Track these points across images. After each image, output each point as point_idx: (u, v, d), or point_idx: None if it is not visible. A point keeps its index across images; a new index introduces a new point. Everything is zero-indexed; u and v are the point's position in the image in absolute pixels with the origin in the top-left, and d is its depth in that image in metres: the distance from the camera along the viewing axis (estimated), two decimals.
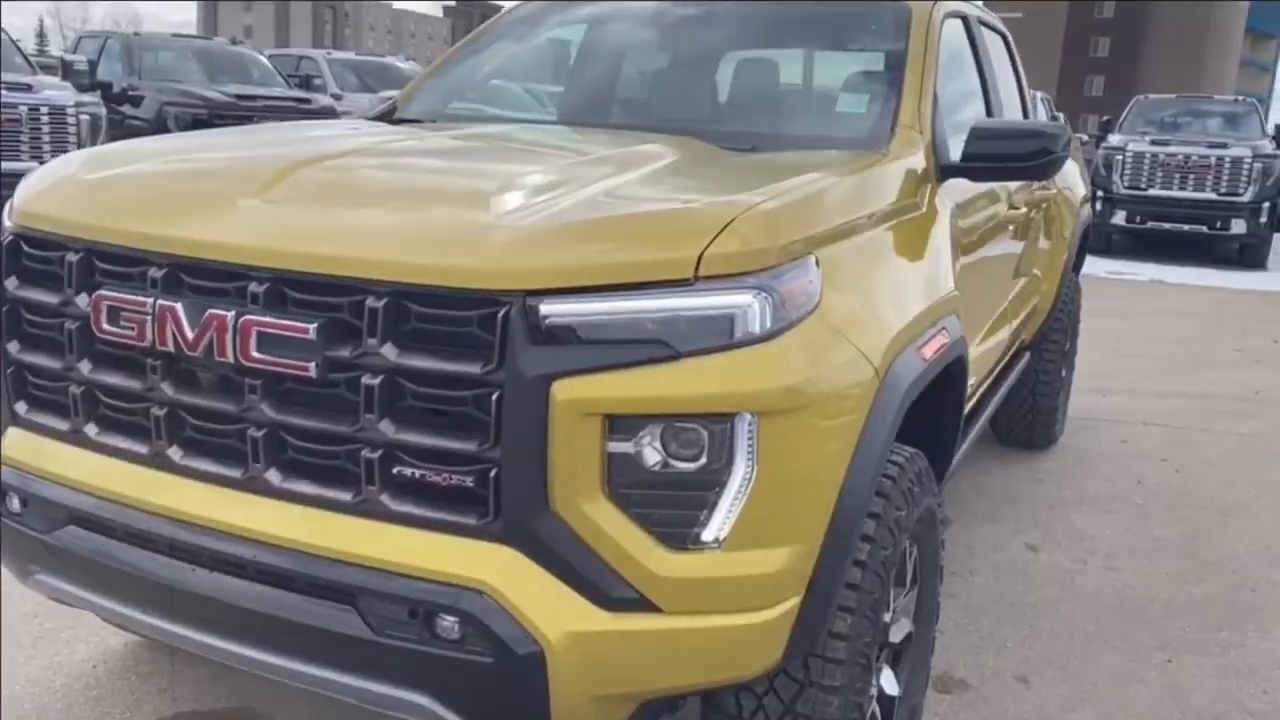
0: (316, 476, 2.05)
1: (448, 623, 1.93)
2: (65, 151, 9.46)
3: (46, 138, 9.30)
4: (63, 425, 2.31)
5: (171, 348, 2.08)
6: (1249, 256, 14.47)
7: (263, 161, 2.41)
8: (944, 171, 3.06)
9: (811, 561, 2.00)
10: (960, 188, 3.20)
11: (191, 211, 2.19)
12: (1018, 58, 4.94)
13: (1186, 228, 14.36)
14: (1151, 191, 14.36)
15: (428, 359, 1.92)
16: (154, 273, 2.12)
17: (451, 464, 1.94)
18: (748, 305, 1.91)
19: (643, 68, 3.82)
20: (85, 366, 2.25)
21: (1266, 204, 14.12)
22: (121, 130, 11.87)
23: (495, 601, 1.89)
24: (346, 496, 2.01)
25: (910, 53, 3.28)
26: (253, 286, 2.02)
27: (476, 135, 3.09)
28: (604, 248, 1.92)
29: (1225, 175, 14.08)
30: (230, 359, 2.02)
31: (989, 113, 4.06)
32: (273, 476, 2.07)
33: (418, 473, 1.96)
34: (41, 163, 9.34)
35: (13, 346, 2.37)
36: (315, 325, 1.95)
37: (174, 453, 2.17)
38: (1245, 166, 14.00)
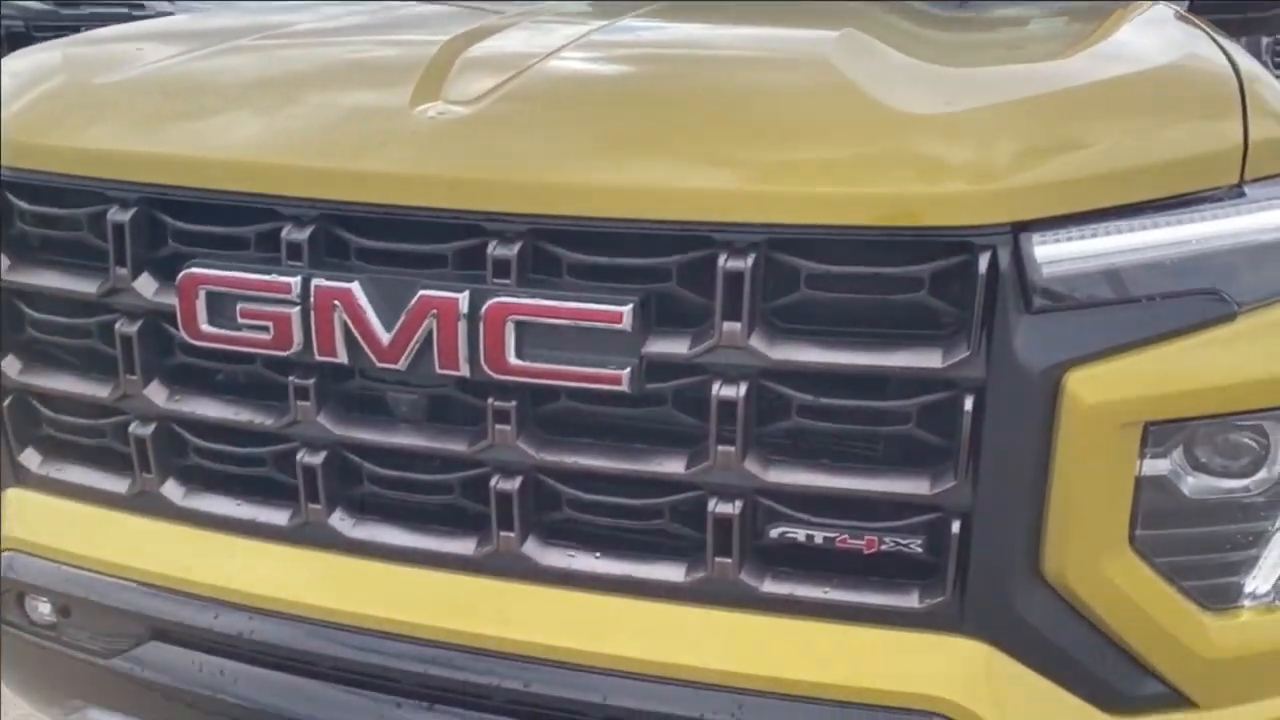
0: (615, 546, 1.27)
1: None
2: None
3: None
4: (118, 485, 1.44)
5: (344, 357, 1.24)
6: None
7: (401, 47, 1.54)
8: None
9: None
10: None
11: (336, 128, 1.32)
12: None
13: None
14: None
15: (832, 350, 1.15)
16: (293, 233, 1.25)
17: (878, 518, 1.19)
18: None
19: None
20: (160, 393, 1.37)
21: None
22: None
23: None
24: (675, 576, 1.24)
25: None
26: (495, 248, 1.19)
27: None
28: (1107, 142, 1.17)
29: None
30: (463, 370, 1.20)
31: None
32: (533, 550, 1.28)
33: (813, 535, 1.20)
34: None
35: (10, 366, 1.46)
36: (631, 307, 1.15)
37: (340, 521, 1.34)
38: None
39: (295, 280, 1.24)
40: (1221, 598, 1.23)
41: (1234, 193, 1.18)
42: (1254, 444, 1.20)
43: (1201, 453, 1.20)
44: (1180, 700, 1.24)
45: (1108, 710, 1.23)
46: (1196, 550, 1.22)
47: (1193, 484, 1.20)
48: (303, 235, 1.25)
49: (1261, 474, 1.21)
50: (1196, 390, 1.15)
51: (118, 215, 1.33)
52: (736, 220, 1.14)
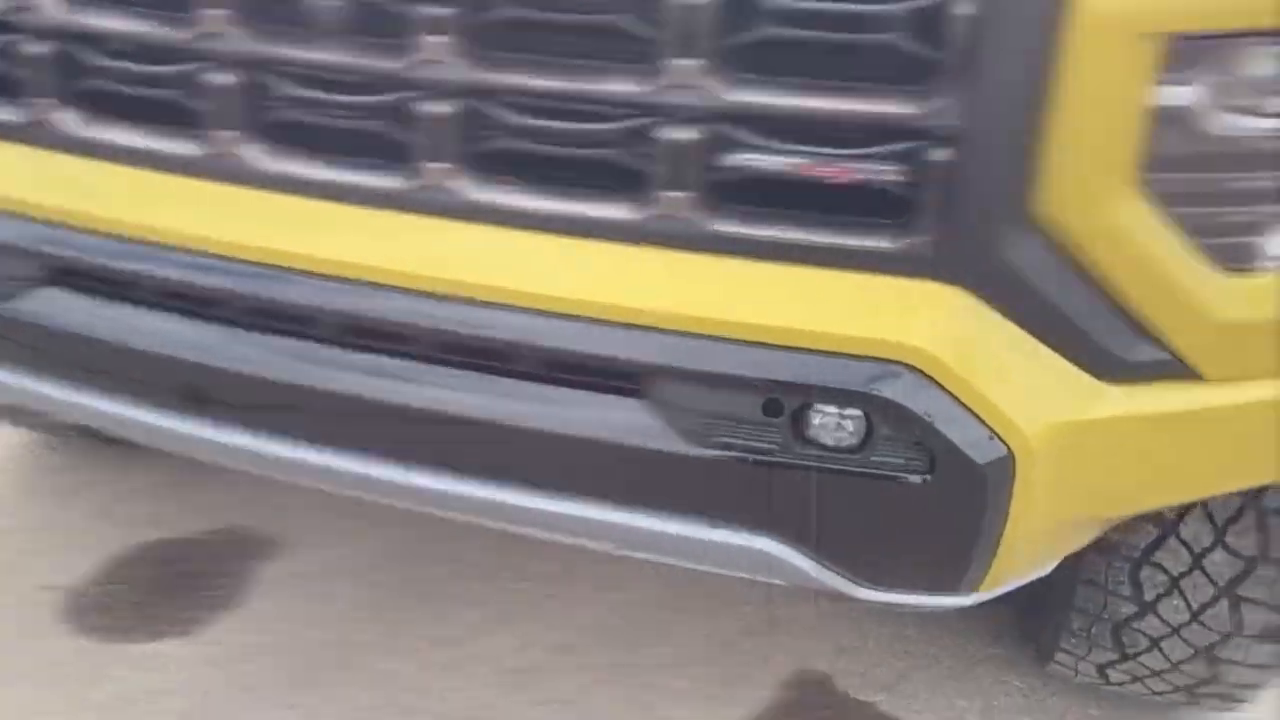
0: (556, 181, 1.13)
1: (838, 419, 1.10)
2: None
3: None
4: (7, 113, 1.29)
5: None
6: None
7: None
8: None
9: None
10: None
11: None
12: None
13: None
14: None
15: None
16: None
17: (853, 145, 1.04)
18: None
19: None
20: (57, 5, 1.21)
21: None
22: None
23: (932, 380, 1.06)
24: (623, 214, 1.11)
25: None
26: None
27: None
28: None
29: None
30: None
31: None
32: (460, 185, 1.14)
33: (780, 164, 1.06)
34: None
35: None
36: None
37: (256, 152, 1.20)
38: None
39: None
40: (1239, 257, 1.10)
41: None
42: None
43: (1232, 81, 1.03)
44: (1183, 370, 1.13)
45: (1098, 375, 1.11)
46: (1215, 201, 1.08)
47: (1219, 120, 1.03)
48: None
49: None
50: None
51: None
52: None
